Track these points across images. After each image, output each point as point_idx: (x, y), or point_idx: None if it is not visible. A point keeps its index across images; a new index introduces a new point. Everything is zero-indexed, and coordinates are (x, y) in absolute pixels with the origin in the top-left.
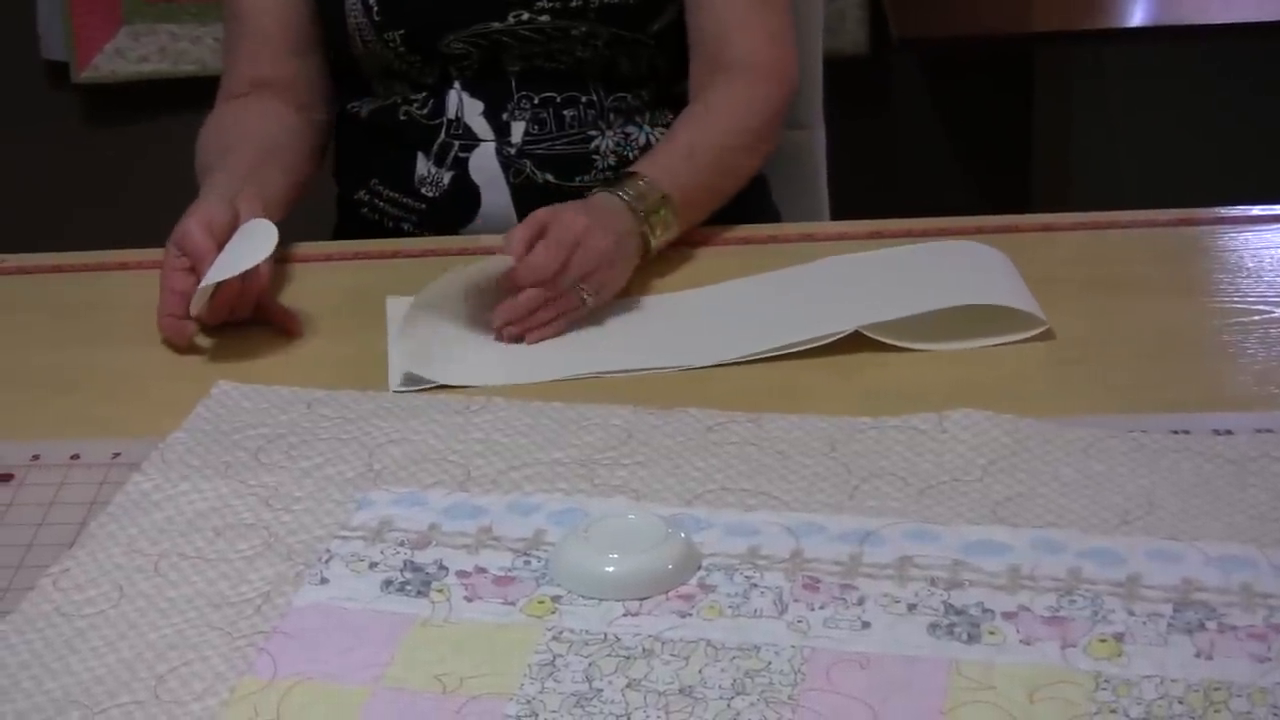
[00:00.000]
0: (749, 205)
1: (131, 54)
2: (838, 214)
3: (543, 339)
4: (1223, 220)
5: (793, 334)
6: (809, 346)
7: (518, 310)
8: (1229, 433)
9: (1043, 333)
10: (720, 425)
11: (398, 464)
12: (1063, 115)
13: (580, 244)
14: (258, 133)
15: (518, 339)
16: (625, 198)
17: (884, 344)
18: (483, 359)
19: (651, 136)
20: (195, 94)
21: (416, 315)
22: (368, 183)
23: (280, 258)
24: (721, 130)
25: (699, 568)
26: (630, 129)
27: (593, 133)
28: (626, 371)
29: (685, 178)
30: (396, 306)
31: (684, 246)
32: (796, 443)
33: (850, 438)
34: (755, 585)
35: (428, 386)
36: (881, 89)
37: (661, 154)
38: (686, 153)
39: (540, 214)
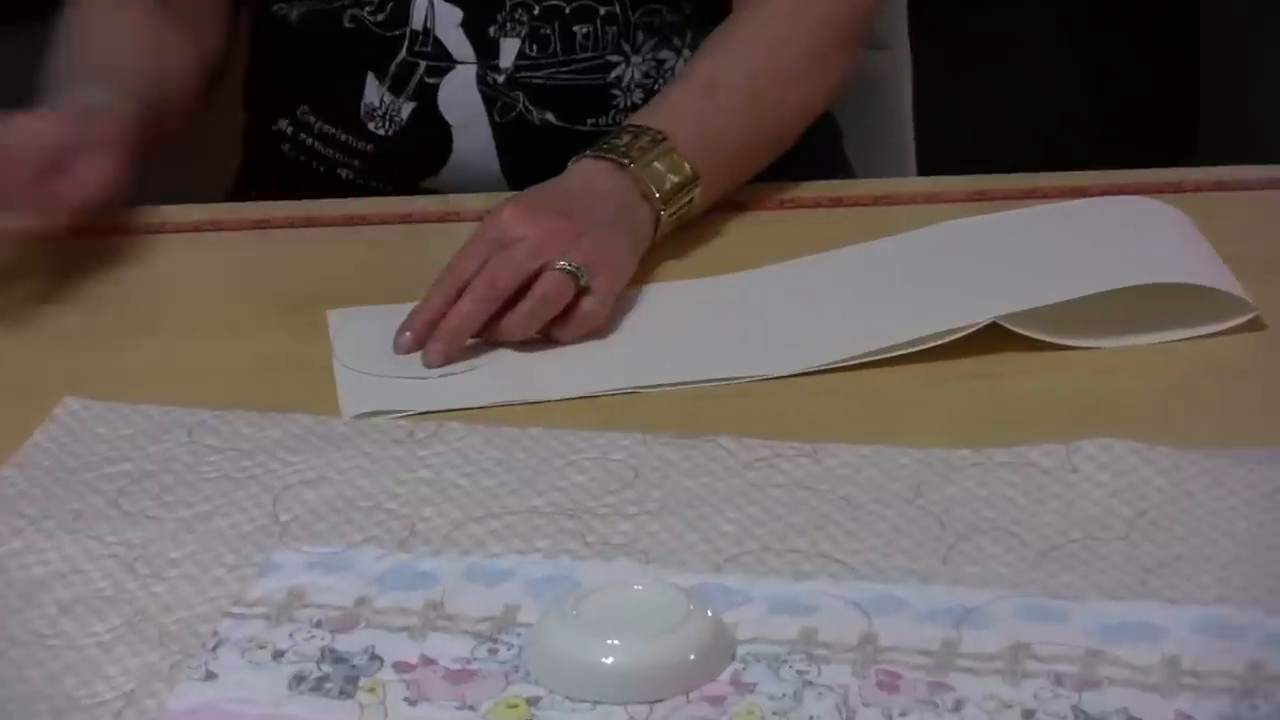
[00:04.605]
0: (810, 157)
1: None
2: (926, 168)
3: (511, 337)
4: None
5: (901, 331)
6: (922, 347)
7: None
8: None
9: (1251, 320)
10: (763, 460)
11: (314, 513)
12: (1236, 45)
13: (521, 237)
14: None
15: (445, 359)
16: (610, 156)
17: (1006, 344)
18: (459, 377)
19: None
20: None
21: (366, 326)
22: (293, 109)
23: (147, 228)
24: (762, 52)
25: (732, 658)
26: (665, 54)
27: (613, 58)
28: (664, 387)
29: (701, 119)
30: (341, 320)
31: (718, 213)
32: (868, 484)
33: (943, 478)
34: (811, 683)
35: (394, 414)
36: None
37: (669, 92)
38: (703, 86)
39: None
